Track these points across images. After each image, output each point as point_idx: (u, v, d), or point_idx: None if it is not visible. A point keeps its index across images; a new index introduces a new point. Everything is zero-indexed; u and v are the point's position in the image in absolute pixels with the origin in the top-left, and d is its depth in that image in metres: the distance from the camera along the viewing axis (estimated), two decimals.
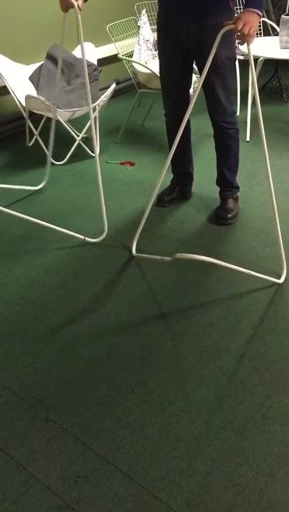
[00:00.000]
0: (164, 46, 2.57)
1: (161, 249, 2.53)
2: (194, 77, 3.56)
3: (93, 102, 3.50)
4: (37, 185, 3.15)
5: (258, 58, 3.68)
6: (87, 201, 3.02)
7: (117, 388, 1.81)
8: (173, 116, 2.73)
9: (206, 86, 2.50)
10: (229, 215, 2.76)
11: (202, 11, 2.35)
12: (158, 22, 2.55)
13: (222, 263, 2.04)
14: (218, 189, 2.89)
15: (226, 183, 2.84)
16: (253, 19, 2.13)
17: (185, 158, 2.94)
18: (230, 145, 2.70)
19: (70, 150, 3.46)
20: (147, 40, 3.73)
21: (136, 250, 2.53)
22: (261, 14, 2.19)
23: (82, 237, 2.60)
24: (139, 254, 2.51)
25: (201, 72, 2.44)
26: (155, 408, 1.73)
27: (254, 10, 2.15)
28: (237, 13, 2.58)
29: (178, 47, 2.49)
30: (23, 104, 3.33)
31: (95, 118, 3.52)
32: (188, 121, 2.77)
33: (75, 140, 3.45)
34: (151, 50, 3.75)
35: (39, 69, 3.57)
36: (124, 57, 3.66)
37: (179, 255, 2.01)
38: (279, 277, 2.34)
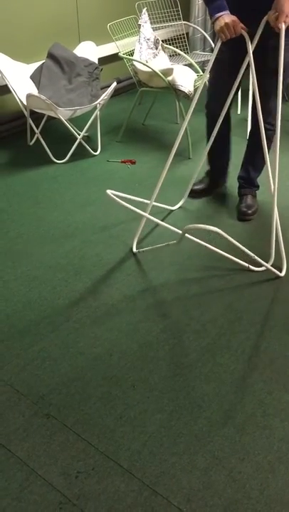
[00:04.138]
0: (222, 47, 2.46)
1: (163, 247, 2.54)
2: (195, 75, 3.57)
3: (94, 101, 3.51)
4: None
5: None
6: (88, 199, 3.03)
7: (118, 385, 1.82)
8: (216, 113, 2.69)
9: (259, 85, 2.44)
10: (250, 211, 2.82)
11: (265, 14, 2.25)
12: None
13: (229, 238, 2.02)
14: (225, 185, 2.90)
15: (248, 181, 2.88)
16: (282, 3, 2.11)
17: (223, 152, 2.95)
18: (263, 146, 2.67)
19: (71, 149, 3.47)
20: (148, 39, 3.73)
21: (136, 247, 2.54)
22: None
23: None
24: (141, 250, 2.51)
25: (258, 74, 2.40)
26: (156, 405, 1.74)
27: None
28: None
29: (237, 48, 2.41)
30: (25, 102, 3.34)
31: (95, 116, 3.53)
32: (229, 118, 2.78)
33: (76, 139, 3.46)
34: (152, 48, 3.75)
35: (40, 68, 3.58)
36: (124, 55, 3.66)
37: (187, 227, 1.97)
38: (280, 271, 2.36)
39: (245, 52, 2.33)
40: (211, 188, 3.07)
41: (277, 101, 2.26)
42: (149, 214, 2.54)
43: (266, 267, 2.31)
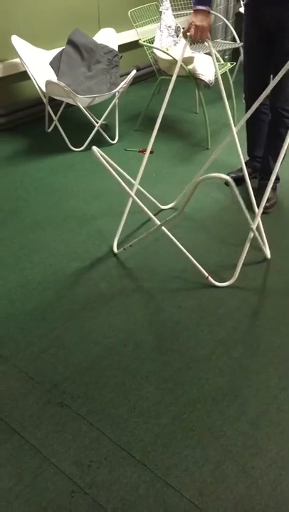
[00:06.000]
0: (248, 30, 2.55)
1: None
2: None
3: (113, 89, 3.48)
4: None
5: None
6: (105, 188, 3.02)
7: (132, 376, 1.82)
8: (253, 100, 2.67)
9: (277, 70, 2.45)
10: (268, 204, 2.76)
11: None
12: (245, 4, 2.57)
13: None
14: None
15: (268, 172, 2.81)
16: None
17: (261, 142, 2.91)
18: (282, 134, 2.59)
19: (88, 136, 3.45)
20: (169, 26, 3.68)
21: (117, 246, 2.49)
22: None
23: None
24: (125, 246, 2.47)
25: (277, 56, 2.42)
26: (169, 397, 1.74)
27: None
28: None
29: (261, 31, 2.46)
30: (43, 89, 3.32)
31: (114, 104, 3.50)
32: (267, 107, 2.74)
33: (94, 127, 3.44)
34: (172, 36, 3.71)
35: (60, 54, 3.56)
36: (145, 43, 3.62)
37: (204, 177, 1.81)
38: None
39: (270, 32, 2.43)
40: (248, 175, 3.02)
41: None
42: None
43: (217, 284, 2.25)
